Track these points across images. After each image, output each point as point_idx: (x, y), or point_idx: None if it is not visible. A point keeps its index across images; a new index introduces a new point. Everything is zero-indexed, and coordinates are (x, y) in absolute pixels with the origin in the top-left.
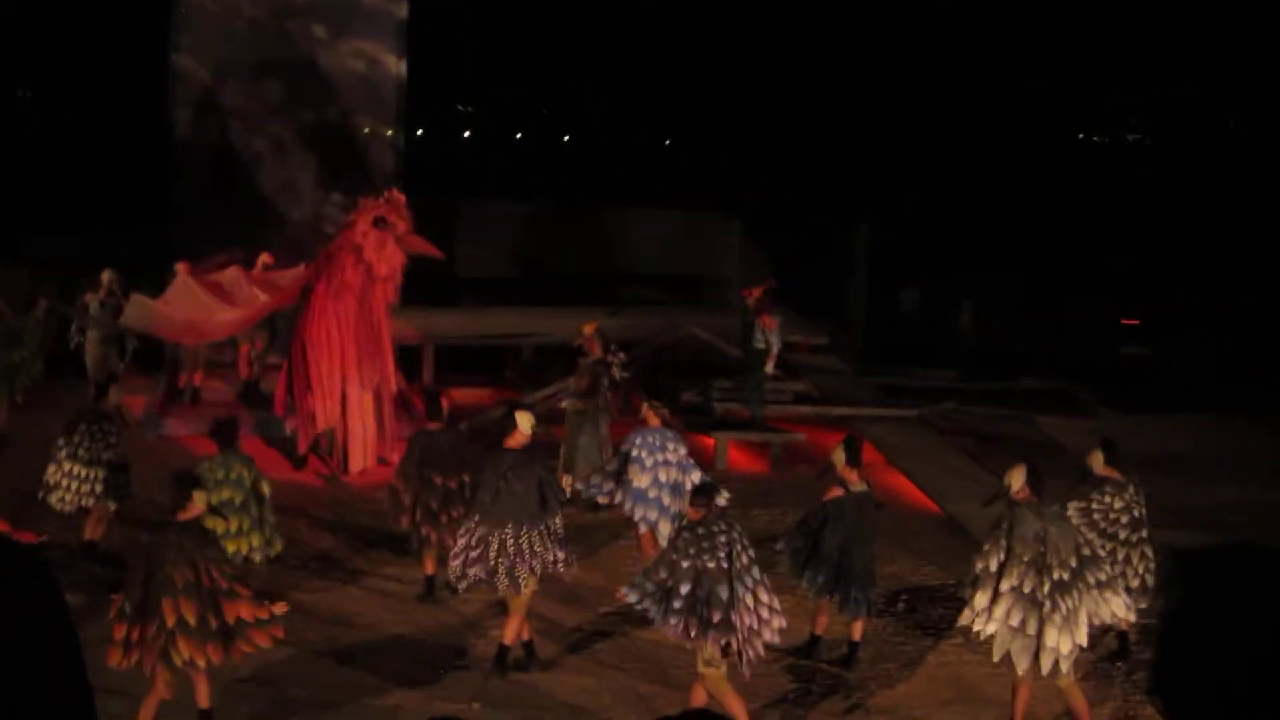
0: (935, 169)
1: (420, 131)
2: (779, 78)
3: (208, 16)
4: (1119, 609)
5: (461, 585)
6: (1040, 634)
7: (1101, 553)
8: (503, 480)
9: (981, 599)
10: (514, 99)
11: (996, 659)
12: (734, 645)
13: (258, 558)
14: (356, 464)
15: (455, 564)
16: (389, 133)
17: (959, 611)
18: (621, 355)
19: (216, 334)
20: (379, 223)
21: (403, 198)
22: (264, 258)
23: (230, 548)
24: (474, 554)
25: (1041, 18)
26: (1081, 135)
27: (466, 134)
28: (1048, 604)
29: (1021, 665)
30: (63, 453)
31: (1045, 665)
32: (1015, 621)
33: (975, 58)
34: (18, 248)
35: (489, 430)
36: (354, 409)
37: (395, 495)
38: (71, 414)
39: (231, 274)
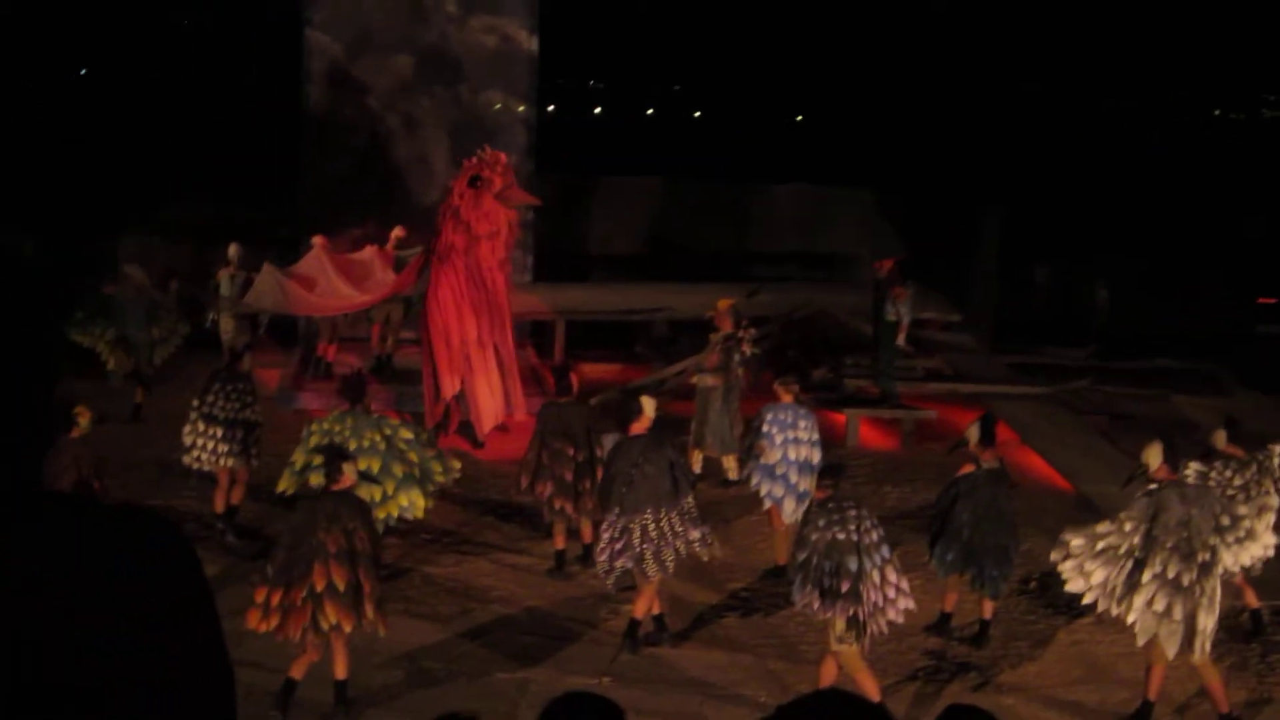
0: (1070, 144)
1: (551, 108)
2: (913, 52)
3: None
4: (1257, 551)
5: (610, 580)
6: (1192, 618)
7: (1242, 509)
8: (635, 468)
9: (1100, 573)
10: (645, 75)
11: (1141, 644)
12: (860, 617)
13: (411, 516)
14: (487, 424)
15: (602, 559)
16: (520, 109)
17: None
18: (752, 331)
19: (347, 309)
20: (474, 181)
21: (502, 156)
22: (397, 231)
23: (381, 515)
24: (618, 546)
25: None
26: (1218, 112)
27: (598, 110)
28: (1197, 589)
29: (1171, 650)
30: (197, 413)
31: (1198, 648)
32: (1160, 608)
33: (1107, 39)
34: (152, 218)
35: (615, 407)
36: (477, 369)
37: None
38: (206, 377)
39: (367, 254)
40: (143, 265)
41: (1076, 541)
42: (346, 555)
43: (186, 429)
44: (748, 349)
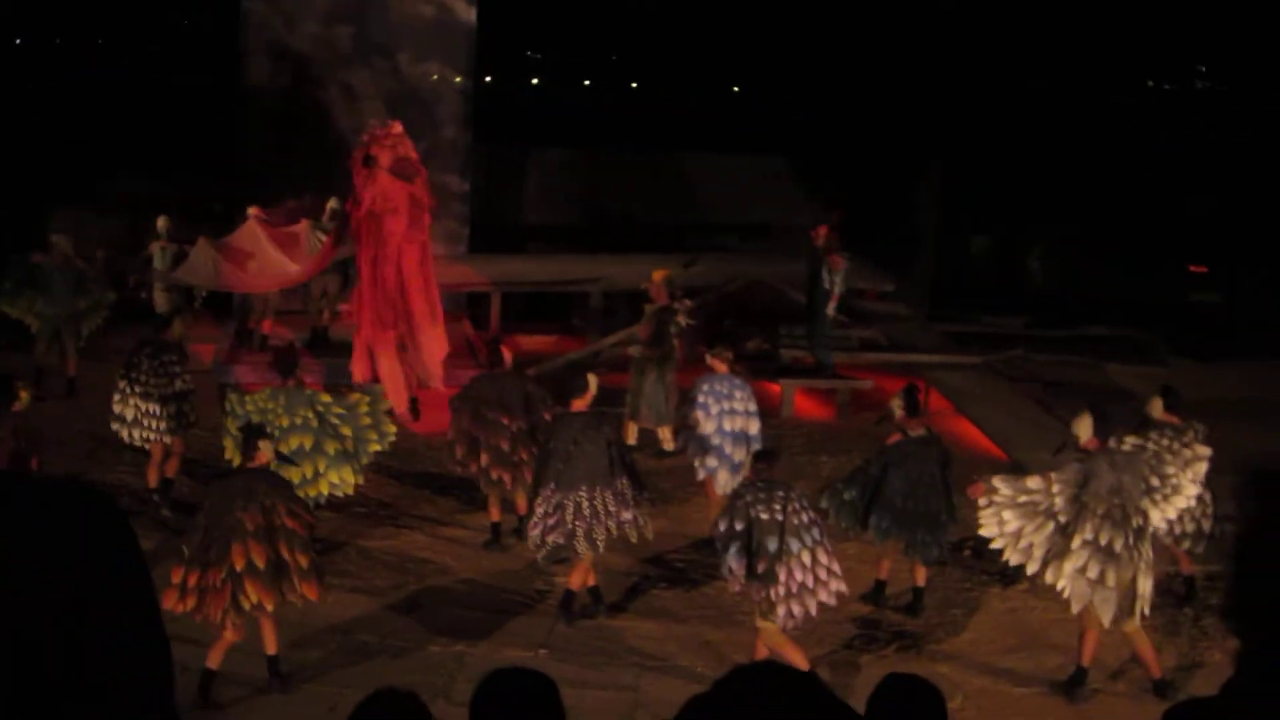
0: (1006, 112)
1: (489, 78)
2: (849, 18)
3: None
4: (1180, 503)
5: (541, 554)
6: (1132, 582)
7: (1170, 469)
8: (574, 444)
9: (1014, 524)
10: (581, 45)
11: (1075, 611)
12: (773, 597)
13: (341, 493)
14: (399, 404)
15: (534, 533)
16: (458, 80)
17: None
18: (687, 302)
19: (280, 285)
20: (367, 160)
21: (395, 126)
22: (331, 203)
23: (311, 493)
24: (551, 521)
25: None
26: (1151, 83)
27: (535, 80)
28: (1134, 553)
29: (1106, 618)
30: (130, 387)
31: (1138, 612)
32: (1093, 575)
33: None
34: (88, 192)
35: (555, 378)
36: (379, 352)
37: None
38: (132, 346)
39: (301, 227)
40: (74, 237)
41: (1004, 489)
42: (265, 532)
43: (116, 398)
44: (683, 319)
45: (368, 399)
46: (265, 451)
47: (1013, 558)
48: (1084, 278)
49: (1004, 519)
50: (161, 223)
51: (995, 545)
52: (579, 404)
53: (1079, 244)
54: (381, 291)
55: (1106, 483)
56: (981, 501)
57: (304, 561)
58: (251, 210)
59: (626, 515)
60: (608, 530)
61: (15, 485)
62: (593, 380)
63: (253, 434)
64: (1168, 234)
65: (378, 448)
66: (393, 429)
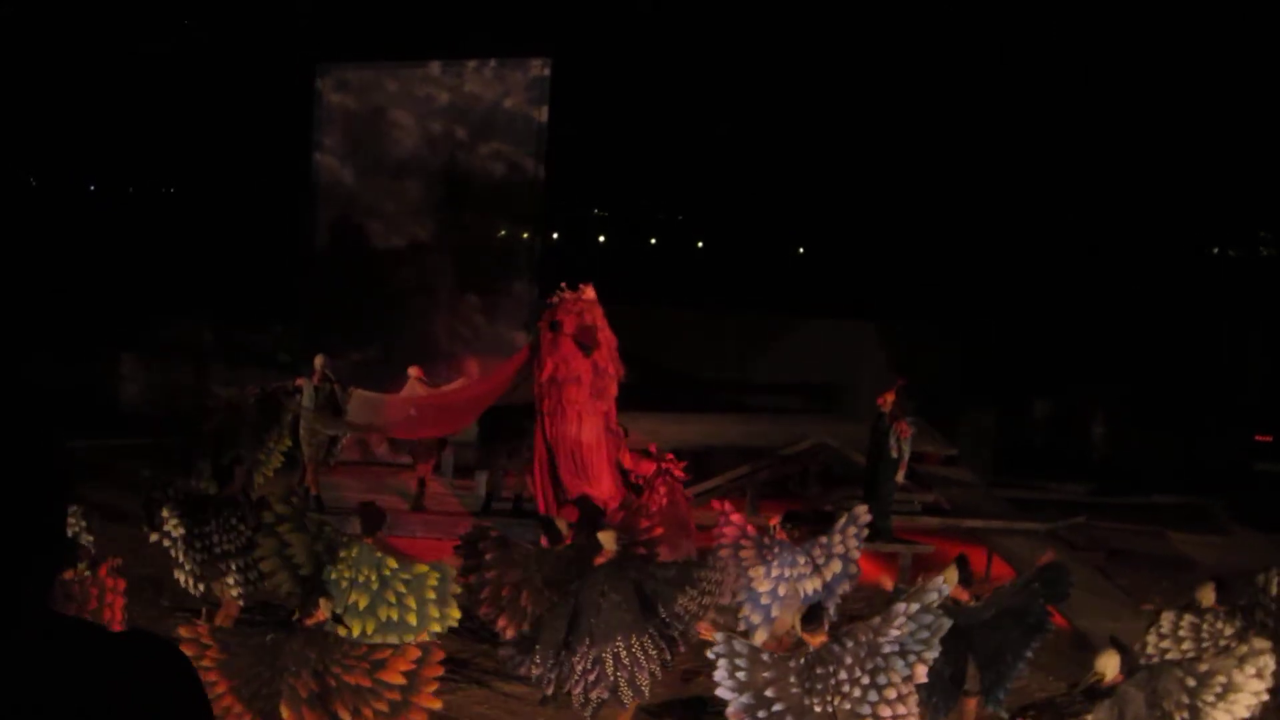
0: (1070, 278)
1: (556, 235)
2: (910, 183)
3: (350, 117)
4: (1249, 700)
5: (588, 712)
6: None
7: (1204, 666)
8: (602, 597)
9: None
10: (649, 204)
11: None
12: None
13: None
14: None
15: (577, 691)
16: (525, 235)
17: None
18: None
19: (441, 430)
20: (553, 326)
21: (586, 291)
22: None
23: None
24: (592, 677)
25: (1182, 135)
26: (1216, 249)
27: (602, 238)
28: None
29: None
30: (202, 547)
31: None
32: None
33: (1111, 168)
34: (152, 336)
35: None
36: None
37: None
38: (199, 502)
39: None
40: (136, 381)
41: None
42: (319, 699)
43: (183, 552)
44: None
45: (437, 575)
46: (324, 610)
47: None
48: (1148, 444)
49: None
50: (319, 360)
51: None
52: (599, 560)
53: (1142, 410)
54: (559, 455)
55: (1143, 699)
56: None
57: (369, 715)
58: (412, 371)
59: (668, 656)
60: (651, 674)
61: (89, 635)
62: (605, 538)
63: (315, 591)
64: (1232, 401)
65: (438, 628)
66: (457, 613)
